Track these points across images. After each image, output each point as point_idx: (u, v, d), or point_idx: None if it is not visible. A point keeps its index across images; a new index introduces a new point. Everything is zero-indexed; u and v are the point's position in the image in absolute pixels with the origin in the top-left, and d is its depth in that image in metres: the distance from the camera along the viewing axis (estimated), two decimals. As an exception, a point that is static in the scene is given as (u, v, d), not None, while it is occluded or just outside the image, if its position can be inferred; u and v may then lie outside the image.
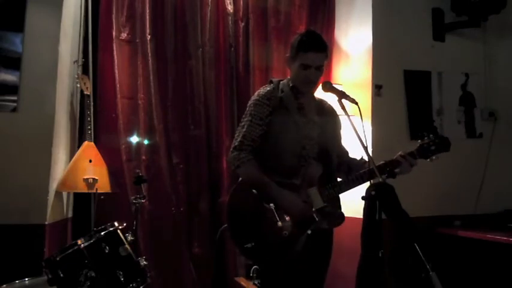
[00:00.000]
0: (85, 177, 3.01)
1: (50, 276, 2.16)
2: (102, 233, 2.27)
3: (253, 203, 2.14)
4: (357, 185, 2.16)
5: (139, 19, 3.40)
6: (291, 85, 2.28)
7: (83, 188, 3.01)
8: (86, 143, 3.10)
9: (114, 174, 3.22)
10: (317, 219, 2.10)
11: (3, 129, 2.81)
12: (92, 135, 3.14)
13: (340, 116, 2.47)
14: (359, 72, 3.46)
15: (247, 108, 2.28)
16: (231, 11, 3.58)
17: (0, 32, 2.85)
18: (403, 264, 2.77)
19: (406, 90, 3.42)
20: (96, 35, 3.36)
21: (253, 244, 2.09)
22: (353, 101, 2.05)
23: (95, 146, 3.14)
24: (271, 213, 2.12)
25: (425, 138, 2.18)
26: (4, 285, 2.26)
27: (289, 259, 2.13)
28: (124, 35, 3.38)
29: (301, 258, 2.14)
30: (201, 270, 3.39)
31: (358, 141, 1.88)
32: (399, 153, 2.16)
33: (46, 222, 2.80)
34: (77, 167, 3.03)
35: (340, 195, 2.23)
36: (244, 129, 2.21)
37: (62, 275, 2.15)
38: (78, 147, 3.19)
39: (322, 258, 2.29)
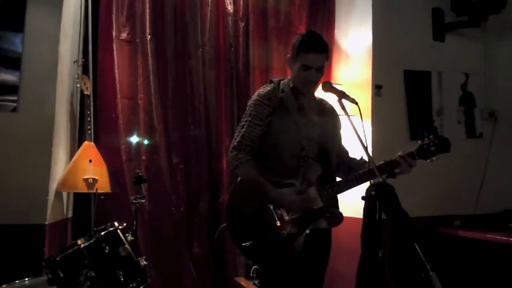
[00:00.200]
0: (85, 177, 3.01)
1: (50, 276, 2.16)
2: (102, 233, 2.27)
3: (253, 203, 2.15)
4: (356, 185, 2.16)
5: (139, 19, 3.40)
6: (291, 85, 2.28)
7: (83, 188, 3.01)
8: (86, 143, 3.10)
9: (114, 174, 3.22)
10: (317, 211, 2.10)
11: (3, 129, 2.81)
12: (92, 135, 3.14)
13: (340, 116, 2.47)
14: (359, 72, 3.46)
15: (247, 108, 2.28)
16: (231, 11, 3.58)
17: (0, 32, 2.85)
18: (403, 264, 2.77)
19: (406, 90, 3.42)
20: (96, 35, 3.36)
21: (251, 243, 2.09)
22: (353, 101, 2.05)
23: (95, 146, 3.14)
24: (270, 212, 2.12)
25: (425, 139, 2.15)
26: (4, 285, 2.26)
27: (288, 259, 2.13)
28: (124, 35, 3.38)
29: (300, 257, 2.14)
30: (201, 270, 3.39)
31: (358, 141, 1.88)
32: (398, 153, 2.15)
33: (46, 222, 2.80)
34: (77, 167, 3.03)
35: (340, 195, 2.23)
36: (243, 129, 2.22)
37: (62, 275, 2.14)
38: (78, 147, 3.19)
39: (321, 258, 2.30)
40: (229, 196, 2.26)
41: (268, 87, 2.29)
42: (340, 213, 2.17)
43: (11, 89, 2.83)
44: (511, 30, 3.63)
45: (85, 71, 3.31)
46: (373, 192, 1.77)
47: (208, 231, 3.42)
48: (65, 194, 3.16)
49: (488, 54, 3.64)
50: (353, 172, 2.21)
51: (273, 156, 2.21)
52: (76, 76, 3.20)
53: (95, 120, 3.25)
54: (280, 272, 2.16)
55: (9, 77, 2.84)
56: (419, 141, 2.17)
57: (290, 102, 2.25)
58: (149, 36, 3.39)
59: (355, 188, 2.17)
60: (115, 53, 3.34)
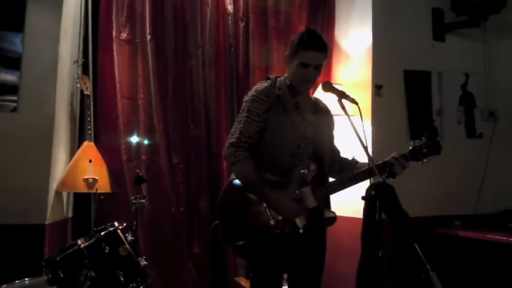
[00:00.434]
0: (85, 177, 3.01)
1: (50, 276, 2.17)
2: (102, 233, 2.27)
3: (246, 201, 2.13)
4: (350, 186, 2.15)
5: (139, 19, 3.41)
6: (288, 83, 2.26)
7: (83, 188, 3.01)
8: (86, 143, 3.10)
9: (114, 174, 3.22)
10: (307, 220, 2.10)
11: (3, 129, 2.81)
12: (92, 135, 3.14)
13: (338, 116, 2.47)
14: (359, 72, 3.46)
15: (244, 104, 2.23)
16: (231, 11, 3.58)
17: (0, 32, 2.85)
18: (403, 264, 2.77)
19: (406, 90, 3.42)
20: (96, 35, 3.36)
21: (245, 242, 2.08)
22: (353, 101, 2.05)
23: (94, 146, 3.14)
24: (263, 211, 2.11)
25: (418, 140, 2.15)
26: (4, 285, 2.27)
27: (282, 257, 2.12)
28: (124, 35, 3.38)
29: (294, 257, 2.13)
30: (201, 270, 3.39)
31: (358, 141, 1.88)
32: (392, 154, 2.14)
33: (46, 222, 2.80)
34: (77, 167, 3.03)
35: (341, 195, 2.22)
36: (241, 125, 2.17)
37: (62, 275, 2.15)
38: (78, 147, 3.19)
39: (316, 257, 2.27)
40: (222, 194, 2.24)
41: (265, 84, 2.26)
42: (333, 213, 2.17)
43: (11, 89, 2.83)
44: (511, 30, 3.63)
45: (85, 71, 3.31)
46: (373, 192, 1.78)
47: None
48: (65, 194, 3.16)
49: (488, 54, 3.64)
50: (345, 172, 2.21)
51: (268, 153, 2.19)
52: (76, 76, 3.21)
53: (95, 120, 3.25)
54: (274, 271, 2.15)
55: (9, 77, 2.84)
56: (411, 143, 2.16)
57: (287, 99, 2.23)
58: (149, 36, 3.39)
59: (355, 188, 2.16)
60: (115, 53, 3.34)
